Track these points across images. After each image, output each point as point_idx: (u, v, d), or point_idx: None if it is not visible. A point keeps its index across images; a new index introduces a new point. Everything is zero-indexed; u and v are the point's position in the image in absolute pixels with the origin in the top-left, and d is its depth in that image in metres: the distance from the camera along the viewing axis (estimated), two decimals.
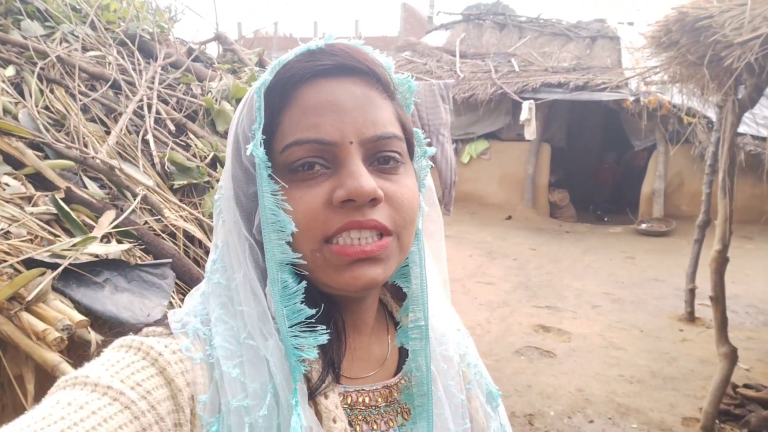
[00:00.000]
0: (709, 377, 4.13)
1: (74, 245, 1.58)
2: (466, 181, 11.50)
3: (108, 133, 2.33)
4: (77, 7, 3.08)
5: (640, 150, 11.00)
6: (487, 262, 8.10)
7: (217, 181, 2.35)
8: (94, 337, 1.40)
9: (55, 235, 1.64)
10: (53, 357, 1.30)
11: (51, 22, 2.80)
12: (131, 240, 1.80)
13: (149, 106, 2.56)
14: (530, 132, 10.37)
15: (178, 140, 2.53)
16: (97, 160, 2.05)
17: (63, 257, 1.51)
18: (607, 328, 5.61)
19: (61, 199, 1.75)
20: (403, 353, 0.77)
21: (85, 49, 2.79)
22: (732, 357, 3.56)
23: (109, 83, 2.56)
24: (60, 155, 2.00)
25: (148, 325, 0.67)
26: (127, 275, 1.64)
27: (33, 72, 2.31)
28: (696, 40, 3.15)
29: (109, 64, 2.73)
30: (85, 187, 1.96)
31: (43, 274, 1.42)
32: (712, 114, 7.05)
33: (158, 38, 3.22)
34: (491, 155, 11.65)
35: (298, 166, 0.63)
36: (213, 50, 3.94)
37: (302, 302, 0.63)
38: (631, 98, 10.02)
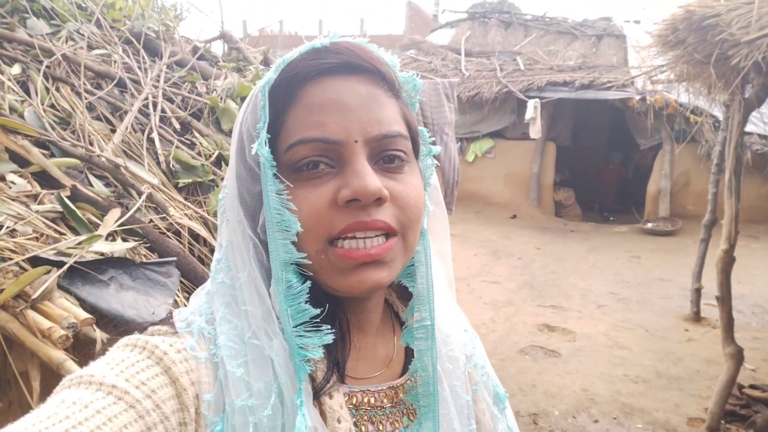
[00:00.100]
0: (714, 377, 4.11)
1: (80, 243, 1.58)
2: (471, 180, 11.49)
3: (113, 131, 2.33)
4: (83, 5, 3.08)
5: (647, 149, 10.95)
6: (492, 261, 8.09)
7: (222, 179, 2.35)
8: (99, 335, 1.40)
9: (61, 233, 1.64)
10: (58, 355, 1.30)
11: (57, 20, 2.81)
12: (136, 238, 1.80)
13: (154, 105, 2.56)
14: (535, 131, 10.35)
15: (183, 139, 2.54)
16: (103, 159, 2.05)
17: (68, 255, 1.51)
18: (613, 328, 5.59)
19: (67, 197, 1.75)
20: (408, 354, 0.76)
21: (90, 48, 2.80)
22: (738, 357, 3.54)
23: (115, 81, 2.57)
24: (65, 153, 2.00)
25: (153, 324, 0.67)
26: (132, 273, 1.64)
27: (39, 70, 2.32)
28: (703, 38, 3.13)
29: (115, 62, 2.73)
30: (91, 186, 1.97)
31: (48, 272, 1.42)
32: (718, 113, 7.03)
33: (164, 36, 3.22)
34: (496, 154, 11.63)
35: (303, 165, 0.62)
36: (218, 49, 3.95)
37: (307, 302, 0.63)
38: (637, 97, 9.99)
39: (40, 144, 1.99)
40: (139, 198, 1.97)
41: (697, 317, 5.79)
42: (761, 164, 9.24)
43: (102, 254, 1.60)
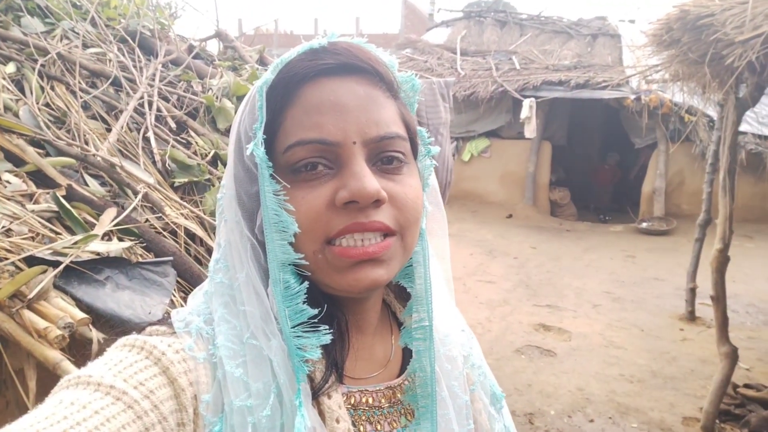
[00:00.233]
0: (709, 377, 4.13)
1: (75, 243, 1.58)
2: (466, 179, 11.51)
3: (109, 130, 2.32)
4: (78, 3, 3.07)
5: (645, 149, 10.96)
6: (488, 260, 8.10)
7: (218, 178, 2.35)
8: (95, 334, 1.40)
9: (57, 233, 1.64)
10: (54, 355, 1.30)
11: (51, 18, 2.80)
12: (132, 238, 1.80)
13: (150, 104, 2.55)
14: (530, 130, 10.38)
15: (178, 138, 2.53)
16: (98, 158, 2.05)
17: (64, 255, 1.51)
18: (608, 327, 5.61)
19: (62, 196, 1.75)
20: (406, 354, 0.77)
21: (85, 46, 2.79)
22: (732, 356, 3.56)
23: (110, 80, 2.56)
24: (61, 152, 1.99)
25: (151, 324, 0.67)
26: (128, 273, 1.64)
27: (33, 69, 2.31)
28: (697, 38, 3.15)
29: (110, 61, 2.72)
30: (86, 185, 1.96)
31: (44, 271, 1.41)
32: (713, 112, 7.06)
33: (159, 35, 3.21)
34: (492, 153, 11.66)
35: (301, 167, 0.62)
36: (214, 47, 3.93)
37: (304, 302, 0.63)
38: (632, 96, 10.02)
39: (36, 143, 1.98)
40: (135, 197, 1.96)
41: (691, 316, 5.81)
42: (755, 164, 9.28)
43: (98, 254, 1.59)
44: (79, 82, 2.42)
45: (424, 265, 0.74)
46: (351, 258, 0.62)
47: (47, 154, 1.97)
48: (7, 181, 1.72)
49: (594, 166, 12.92)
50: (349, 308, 0.71)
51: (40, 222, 1.63)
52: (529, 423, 3.84)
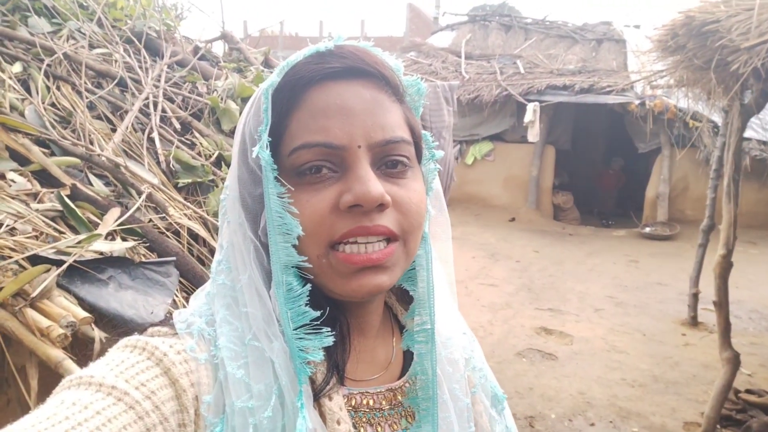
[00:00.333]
0: (711, 382, 4.11)
1: (79, 242, 1.58)
2: (470, 183, 11.51)
3: (114, 130, 2.33)
4: (84, 4, 3.08)
5: (647, 153, 10.94)
6: (490, 263, 8.09)
7: (222, 180, 2.35)
8: (97, 334, 1.40)
9: (60, 232, 1.64)
10: (57, 353, 1.30)
11: (58, 19, 2.81)
12: (136, 238, 1.80)
13: (155, 104, 2.56)
14: (533, 134, 10.37)
15: (183, 139, 2.54)
16: (103, 158, 2.06)
17: (68, 254, 1.51)
18: (610, 332, 5.60)
19: (67, 196, 1.75)
20: (407, 356, 0.77)
21: (91, 47, 2.80)
22: (734, 362, 3.55)
23: (116, 81, 2.57)
24: (66, 152, 2.00)
25: (153, 325, 0.67)
26: (131, 273, 1.64)
27: (40, 69, 2.32)
28: (703, 44, 3.14)
29: (116, 61, 2.73)
30: (91, 185, 1.97)
31: (47, 270, 1.42)
32: (717, 118, 7.04)
33: (165, 36, 3.22)
34: (496, 157, 11.65)
35: (306, 170, 0.63)
36: (219, 49, 3.94)
37: (307, 305, 0.63)
38: (637, 102, 10.01)
39: (41, 142, 1.99)
40: (139, 197, 1.97)
41: (694, 322, 5.80)
42: (759, 170, 9.25)
43: (101, 253, 1.60)
44: (85, 83, 2.43)
45: (426, 268, 0.74)
46: (355, 264, 0.62)
47: (52, 154, 1.98)
48: (12, 180, 1.73)
49: (598, 170, 12.91)
50: (351, 311, 0.71)
51: (44, 221, 1.64)
52: (530, 426, 3.83)
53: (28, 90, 2.24)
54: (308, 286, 0.64)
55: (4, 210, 1.56)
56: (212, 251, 2.03)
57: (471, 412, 0.77)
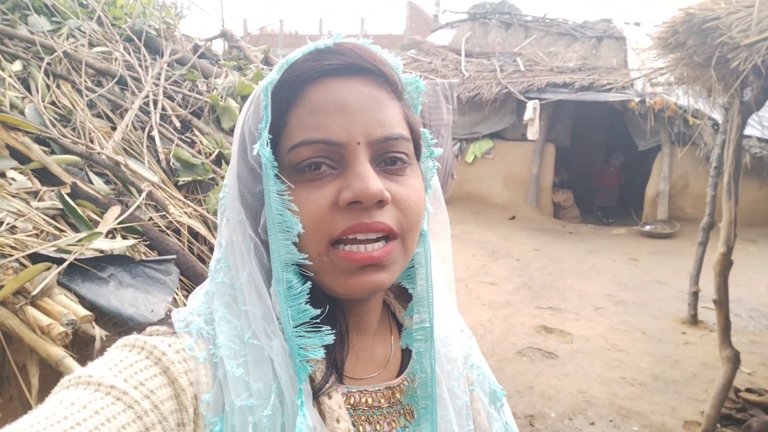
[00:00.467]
0: (711, 381, 4.12)
1: (79, 240, 1.58)
2: (470, 181, 11.50)
3: (114, 128, 2.33)
4: (84, 2, 3.08)
5: (647, 151, 10.94)
6: (490, 262, 8.09)
7: (222, 177, 2.35)
8: (98, 332, 1.40)
9: (61, 230, 1.64)
10: (58, 351, 1.30)
11: (58, 17, 2.81)
12: (136, 236, 1.80)
13: (155, 103, 2.56)
14: (533, 132, 10.37)
15: (183, 137, 2.54)
16: (103, 156, 2.06)
17: (68, 252, 1.51)
18: (610, 330, 5.60)
19: (67, 194, 1.75)
20: (406, 354, 0.77)
21: (91, 45, 2.79)
22: (734, 361, 3.55)
23: (116, 79, 2.57)
24: (66, 150, 2.00)
25: (151, 324, 0.67)
26: (131, 271, 1.64)
27: (40, 67, 2.31)
28: (703, 41, 3.14)
29: (116, 60, 2.73)
30: (91, 183, 1.97)
31: (48, 268, 1.42)
32: (718, 116, 7.03)
33: (164, 34, 3.22)
34: (495, 155, 11.64)
35: (305, 167, 0.63)
36: (219, 47, 3.94)
37: (307, 302, 0.63)
38: (637, 99, 10.00)
39: (41, 141, 1.99)
40: (139, 196, 1.97)
41: (694, 320, 5.80)
42: (759, 167, 9.26)
43: (102, 251, 1.60)
44: (85, 81, 2.42)
45: (425, 266, 0.74)
46: (355, 262, 0.62)
47: (52, 152, 1.98)
48: (13, 179, 1.73)
49: (598, 168, 12.90)
50: (350, 309, 0.71)
51: (44, 219, 1.64)
52: (529, 425, 3.84)
53: (28, 88, 2.24)
54: (308, 284, 0.64)
55: (4, 208, 1.56)
56: (212, 249, 2.02)
57: (470, 410, 0.77)
